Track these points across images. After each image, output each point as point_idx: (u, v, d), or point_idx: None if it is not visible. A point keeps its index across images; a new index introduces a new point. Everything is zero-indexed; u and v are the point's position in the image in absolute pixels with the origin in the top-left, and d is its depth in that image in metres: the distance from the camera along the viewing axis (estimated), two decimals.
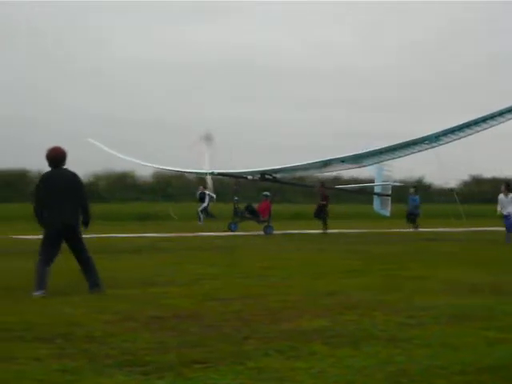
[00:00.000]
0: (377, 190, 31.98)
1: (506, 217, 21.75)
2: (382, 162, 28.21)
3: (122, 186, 54.36)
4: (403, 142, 25.04)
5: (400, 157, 26.69)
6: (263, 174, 28.40)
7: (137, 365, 5.71)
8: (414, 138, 24.74)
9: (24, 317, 7.77)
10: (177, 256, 16.52)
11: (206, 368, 5.64)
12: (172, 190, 51.43)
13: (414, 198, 30.93)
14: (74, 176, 9.90)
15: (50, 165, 9.86)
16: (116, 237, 23.77)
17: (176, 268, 13.48)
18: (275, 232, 26.82)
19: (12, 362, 5.72)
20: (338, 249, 19.23)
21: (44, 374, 5.39)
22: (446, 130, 23.56)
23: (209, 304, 8.93)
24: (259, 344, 6.48)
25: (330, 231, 27.78)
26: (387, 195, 31.32)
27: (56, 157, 9.86)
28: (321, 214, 28.42)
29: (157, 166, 35.23)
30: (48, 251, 9.71)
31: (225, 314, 8.11)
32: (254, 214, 28.35)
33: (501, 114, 22.28)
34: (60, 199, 9.62)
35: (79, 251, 9.91)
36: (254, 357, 5.99)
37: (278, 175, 29.14)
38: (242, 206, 28.59)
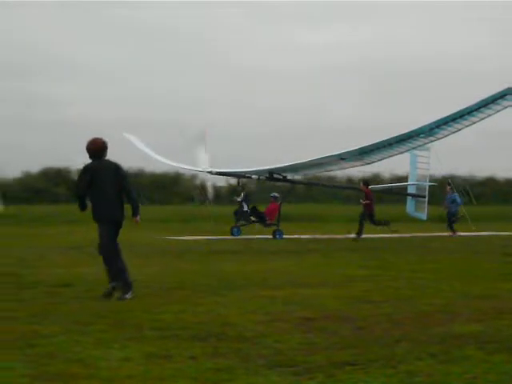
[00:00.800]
0: (410, 190, 28.92)
1: None
2: (384, 158, 25.21)
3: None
4: (397, 136, 22.46)
5: (400, 152, 24.40)
6: (271, 172, 25.68)
7: (287, 365, 5.77)
8: (407, 131, 22.20)
9: (179, 316, 8.06)
10: (326, 257, 16.58)
11: (356, 370, 5.61)
12: None
13: (453, 197, 27.46)
14: (117, 167, 9.83)
15: (91, 157, 9.79)
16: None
17: (325, 270, 13.53)
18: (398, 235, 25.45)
19: (168, 360, 5.92)
20: (489, 250, 18.59)
21: (198, 372, 5.55)
22: (438, 121, 21.13)
23: (359, 306, 8.89)
24: (411, 347, 6.38)
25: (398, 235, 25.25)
26: (422, 196, 27.96)
27: (97, 148, 9.77)
28: (372, 218, 24.59)
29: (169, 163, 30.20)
30: (108, 236, 9.67)
31: (375, 317, 8.04)
32: (259, 216, 26.18)
33: (494, 100, 19.81)
34: (105, 192, 9.56)
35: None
36: (405, 360, 5.90)
37: (289, 174, 26.31)
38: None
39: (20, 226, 30.36)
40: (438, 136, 22.46)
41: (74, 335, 6.89)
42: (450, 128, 21.69)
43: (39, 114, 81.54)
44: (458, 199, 27.60)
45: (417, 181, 28.44)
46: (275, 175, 25.66)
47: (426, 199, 27.83)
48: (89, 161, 9.83)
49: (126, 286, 9.60)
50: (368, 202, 24.22)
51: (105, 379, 5.30)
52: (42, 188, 50.73)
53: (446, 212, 27.44)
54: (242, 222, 26.05)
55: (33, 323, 7.55)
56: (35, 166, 54.02)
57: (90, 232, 22.09)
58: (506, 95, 19.45)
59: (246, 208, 26.17)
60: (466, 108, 20.42)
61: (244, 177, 26.56)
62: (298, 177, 27.88)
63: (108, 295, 9.57)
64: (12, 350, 6.19)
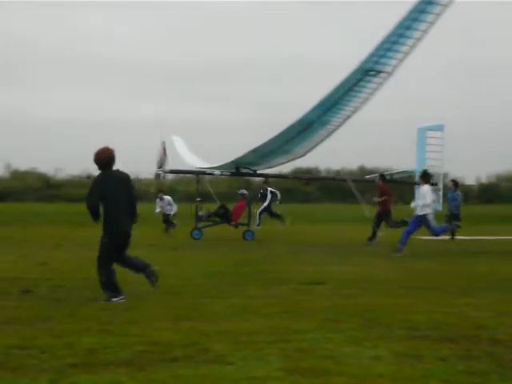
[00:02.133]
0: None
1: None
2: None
3: None
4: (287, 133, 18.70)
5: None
6: (238, 167, 22.46)
7: None
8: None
9: (431, 316, 7.98)
10: None
11: None
12: None
13: (455, 196, 23.71)
14: (127, 178, 9.77)
15: (100, 168, 9.58)
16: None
17: None
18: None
19: (418, 361, 5.90)
20: None
21: (449, 374, 5.48)
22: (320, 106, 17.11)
23: None
24: None
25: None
26: (434, 184, 21.60)
27: (105, 159, 9.55)
28: (387, 218, 21.10)
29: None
30: (110, 257, 9.53)
31: None
32: (223, 216, 23.66)
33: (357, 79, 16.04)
34: (117, 204, 9.44)
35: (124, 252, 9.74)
36: None
37: (259, 167, 23.13)
38: (211, 209, 24.23)
39: None
40: (334, 124, 18.81)
41: (326, 332, 7.06)
42: (338, 115, 18.10)
43: None
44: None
45: (426, 165, 22.00)
46: (243, 170, 22.81)
47: (441, 186, 22.70)
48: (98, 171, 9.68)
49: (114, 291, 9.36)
50: (384, 198, 21.10)
51: (356, 377, 5.40)
52: None
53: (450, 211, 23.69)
54: (203, 224, 23.33)
55: (285, 319, 7.86)
56: None
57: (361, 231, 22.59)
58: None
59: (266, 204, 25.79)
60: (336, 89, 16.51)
61: (204, 174, 23.73)
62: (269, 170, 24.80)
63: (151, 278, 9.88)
64: (269, 344, 6.47)
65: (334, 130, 19.36)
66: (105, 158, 9.58)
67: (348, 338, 6.77)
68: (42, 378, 5.38)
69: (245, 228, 23.08)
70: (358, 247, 19.45)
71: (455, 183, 24.61)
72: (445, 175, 25.06)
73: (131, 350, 6.22)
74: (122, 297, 9.32)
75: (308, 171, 56.17)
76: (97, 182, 9.53)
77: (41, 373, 5.53)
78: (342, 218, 37.94)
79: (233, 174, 23.08)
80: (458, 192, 24.01)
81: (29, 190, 70.84)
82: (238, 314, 8.20)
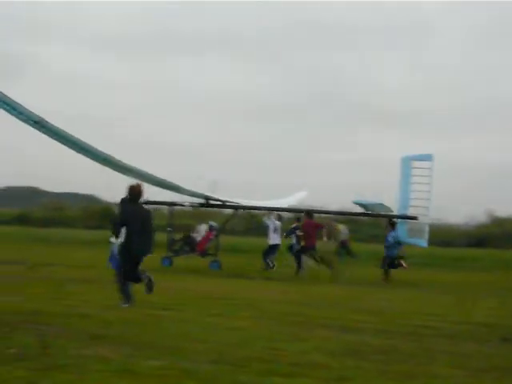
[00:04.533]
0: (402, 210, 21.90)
1: None
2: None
3: None
4: None
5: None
6: (207, 198, 22.90)
7: None
8: None
9: None
10: None
11: None
12: None
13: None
14: (148, 212, 12.14)
15: (131, 199, 11.86)
16: None
17: None
18: None
19: None
20: None
21: None
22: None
23: None
24: None
25: None
26: (413, 218, 21.56)
27: (135, 193, 11.82)
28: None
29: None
30: (126, 269, 11.63)
31: None
32: (189, 246, 24.32)
33: None
34: (139, 231, 11.54)
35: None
36: None
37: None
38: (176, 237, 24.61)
39: None
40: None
41: None
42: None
43: None
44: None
45: (413, 198, 21.75)
46: (212, 201, 23.22)
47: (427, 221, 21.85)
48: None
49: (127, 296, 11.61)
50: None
51: None
52: None
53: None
54: (171, 254, 23.91)
55: None
56: None
57: None
58: None
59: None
60: None
61: (175, 205, 23.86)
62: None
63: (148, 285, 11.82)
64: None
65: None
66: (135, 193, 11.89)
67: None
68: None
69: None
70: None
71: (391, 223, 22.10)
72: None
73: None
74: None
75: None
76: (124, 212, 12.04)
77: None
78: None
79: (202, 206, 23.71)
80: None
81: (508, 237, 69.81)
82: None
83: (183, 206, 24.29)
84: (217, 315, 10.93)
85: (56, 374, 6.47)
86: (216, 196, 23.32)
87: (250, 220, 45.05)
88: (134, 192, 11.92)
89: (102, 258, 20.60)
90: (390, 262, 21.02)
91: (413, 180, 21.55)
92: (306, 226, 21.87)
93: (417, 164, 21.57)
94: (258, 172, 77.87)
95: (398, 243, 21.47)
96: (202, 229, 24.84)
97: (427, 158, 21.46)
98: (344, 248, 28.74)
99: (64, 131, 14.01)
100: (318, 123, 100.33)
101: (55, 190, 74.41)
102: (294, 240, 24.43)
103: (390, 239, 21.38)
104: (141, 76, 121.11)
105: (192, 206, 24.34)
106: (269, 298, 13.91)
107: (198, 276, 19.49)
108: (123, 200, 12.79)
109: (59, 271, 17.93)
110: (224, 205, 24.02)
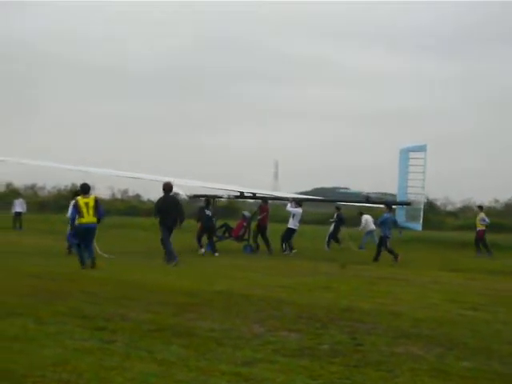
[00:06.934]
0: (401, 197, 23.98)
1: None
2: None
3: None
4: None
5: None
6: (241, 192, 26.04)
7: None
8: None
9: None
10: None
11: None
12: None
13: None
14: (176, 199, 18.95)
15: (164, 191, 18.67)
16: None
17: None
18: None
19: None
20: None
21: None
22: None
23: None
24: None
25: None
26: (407, 204, 23.68)
27: (168, 187, 18.66)
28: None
29: None
30: (165, 234, 18.42)
31: None
32: (229, 232, 26.05)
33: None
34: (169, 212, 18.35)
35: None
36: None
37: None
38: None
39: None
40: None
41: None
42: None
43: None
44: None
45: (409, 186, 23.81)
46: (246, 193, 26.14)
47: (422, 206, 23.74)
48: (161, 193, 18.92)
49: (170, 256, 18.07)
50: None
51: None
52: None
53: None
54: (216, 238, 24.85)
55: None
56: None
57: None
58: None
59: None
60: None
61: (216, 197, 26.37)
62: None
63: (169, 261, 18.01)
64: None
65: None
66: (166, 188, 18.66)
67: None
68: None
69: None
70: None
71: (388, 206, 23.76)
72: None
73: None
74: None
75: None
76: (160, 201, 18.79)
77: None
78: None
79: (237, 197, 26.82)
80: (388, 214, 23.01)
81: None
82: None
83: (222, 198, 27.34)
84: None
85: (369, 370, 6.70)
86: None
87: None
88: (166, 187, 18.53)
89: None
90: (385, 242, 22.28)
91: (410, 169, 23.79)
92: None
93: (413, 155, 23.70)
94: None
95: (394, 224, 22.83)
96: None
97: (422, 148, 23.43)
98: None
99: None
100: None
101: None
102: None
103: (383, 218, 22.62)
104: None
105: (229, 197, 27.41)
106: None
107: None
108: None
109: (368, 269, 18.38)
110: (255, 196, 26.58)
